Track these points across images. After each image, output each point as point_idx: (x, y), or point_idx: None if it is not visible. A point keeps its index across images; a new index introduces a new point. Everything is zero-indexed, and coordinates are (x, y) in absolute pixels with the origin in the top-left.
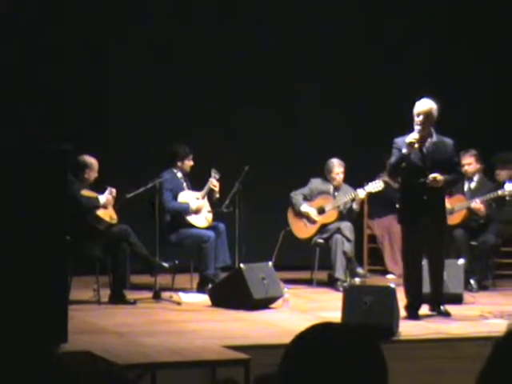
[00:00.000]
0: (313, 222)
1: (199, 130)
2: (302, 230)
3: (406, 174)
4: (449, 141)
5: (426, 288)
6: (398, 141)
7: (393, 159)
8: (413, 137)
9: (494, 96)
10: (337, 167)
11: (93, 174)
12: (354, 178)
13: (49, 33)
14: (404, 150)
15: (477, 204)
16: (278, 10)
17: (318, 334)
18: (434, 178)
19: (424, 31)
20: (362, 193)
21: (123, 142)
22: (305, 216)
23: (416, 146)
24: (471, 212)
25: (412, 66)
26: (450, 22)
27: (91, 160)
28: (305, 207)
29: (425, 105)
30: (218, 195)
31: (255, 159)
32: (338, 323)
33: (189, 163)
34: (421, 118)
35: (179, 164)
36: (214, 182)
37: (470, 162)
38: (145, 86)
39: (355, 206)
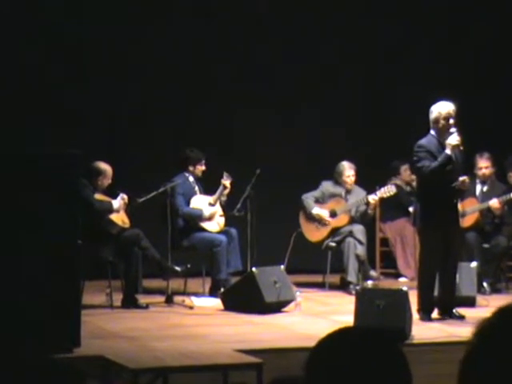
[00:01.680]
0: (324, 224)
1: (211, 134)
2: (313, 234)
3: (439, 178)
4: None
5: (435, 291)
6: (425, 144)
7: (427, 162)
8: (456, 138)
9: (506, 98)
10: (347, 170)
11: (106, 181)
12: (366, 181)
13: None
14: (448, 152)
15: (495, 203)
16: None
17: (343, 337)
18: (464, 181)
19: (430, 31)
20: (373, 199)
21: (135, 147)
22: (316, 219)
23: (461, 148)
24: (484, 214)
25: (423, 69)
26: (455, 21)
27: (105, 167)
28: (316, 210)
29: (452, 107)
30: (225, 198)
31: (267, 163)
32: (363, 327)
33: (201, 168)
34: (452, 119)
35: (191, 169)
36: (226, 185)
37: (487, 166)
38: (156, 90)
39: (370, 210)
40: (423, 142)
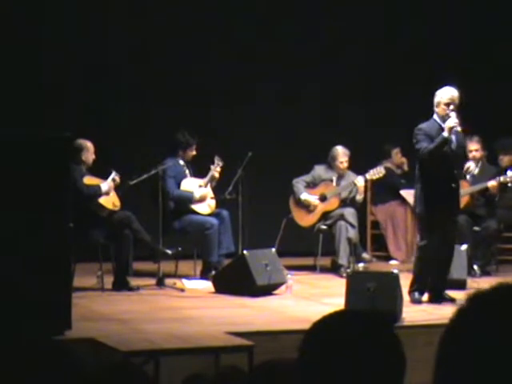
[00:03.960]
0: (314, 210)
1: (202, 116)
2: (303, 218)
3: (439, 162)
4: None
5: None
6: (424, 127)
7: (424, 144)
8: (454, 121)
9: (496, 82)
10: (341, 155)
11: (90, 156)
12: (358, 165)
13: (49, 19)
14: (446, 134)
15: (494, 183)
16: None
17: (337, 319)
18: (469, 167)
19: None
20: (361, 180)
21: (126, 128)
22: (305, 204)
23: (459, 129)
24: (475, 197)
25: (415, 54)
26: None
27: (86, 143)
28: (305, 195)
29: (453, 92)
30: (214, 183)
31: (258, 145)
32: (356, 310)
33: (191, 153)
34: (452, 105)
35: (181, 153)
36: (217, 169)
37: (477, 148)
38: (148, 72)
39: (358, 196)
40: (423, 125)
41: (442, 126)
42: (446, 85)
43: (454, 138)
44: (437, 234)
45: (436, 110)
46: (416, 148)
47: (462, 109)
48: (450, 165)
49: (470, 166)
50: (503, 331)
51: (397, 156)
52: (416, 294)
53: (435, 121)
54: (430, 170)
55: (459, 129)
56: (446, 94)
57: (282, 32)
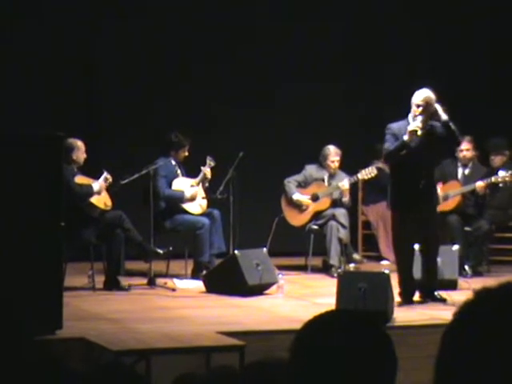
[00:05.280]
0: (305, 209)
1: (195, 116)
2: (295, 218)
3: (402, 161)
4: (437, 123)
5: (417, 274)
6: (393, 127)
7: (388, 145)
8: (416, 125)
9: (488, 82)
10: (333, 155)
11: (81, 155)
12: (350, 165)
13: (44, 14)
14: (405, 137)
15: (481, 184)
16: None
17: (328, 319)
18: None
19: (420, 17)
20: (346, 183)
21: (118, 128)
22: (297, 204)
23: (419, 133)
24: (466, 197)
25: (410, 51)
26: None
27: (77, 142)
28: (297, 195)
29: (424, 95)
30: (207, 184)
31: (250, 146)
32: (348, 310)
33: (183, 154)
34: (421, 108)
35: (173, 153)
36: (208, 170)
37: (468, 148)
38: (140, 70)
39: (344, 198)
40: (393, 124)
41: (407, 127)
42: (425, 86)
43: (414, 140)
44: (407, 233)
45: (410, 110)
46: (383, 147)
47: (454, 109)
48: (415, 166)
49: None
50: (508, 328)
51: None
52: (404, 296)
53: (407, 120)
54: (397, 169)
55: (420, 133)
56: (417, 97)
57: (275, 33)
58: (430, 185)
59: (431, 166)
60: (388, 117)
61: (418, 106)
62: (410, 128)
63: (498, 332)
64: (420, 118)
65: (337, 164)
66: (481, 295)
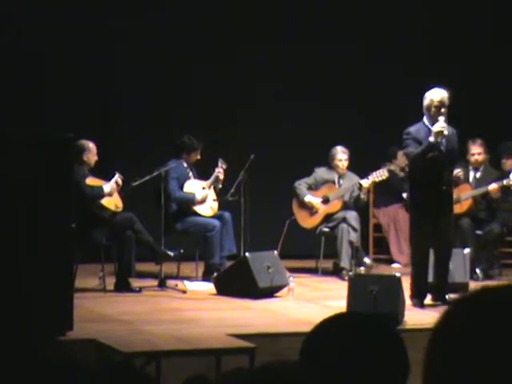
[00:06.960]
0: (317, 212)
1: (206, 119)
2: (306, 220)
3: (426, 165)
4: (454, 130)
5: (429, 278)
6: (412, 131)
7: (412, 149)
8: (440, 125)
9: (499, 86)
10: (340, 154)
11: (92, 157)
12: (360, 167)
13: (55, 19)
14: (431, 139)
15: (494, 187)
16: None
17: (340, 322)
18: (457, 174)
19: (431, 21)
20: (366, 183)
21: (130, 130)
22: (309, 206)
23: (445, 133)
24: (477, 200)
25: (418, 55)
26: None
27: (89, 143)
28: (308, 197)
29: (443, 94)
30: (220, 185)
31: (261, 148)
32: (359, 312)
33: (195, 157)
34: (443, 108)
35: (185, 156)
36: (220, 172)
37: (479, 152)
38: (153, 74)
39: (363, 195)
40: (411, 129)
41: (431, 129)
42: (433, 86)
43: (444, 141)
44: (426, 237)
45: (426, 112)
46: (404, 153)
47: (465, 112)
48: (440, 168)
49: (459, 172)
50: (487, 335)
51: (402, 158)
52: (415, 299)
53: (424, 124)
54: (418, 174)
55: (446, 133)
56: (437, 96)
57: (282, 34)
58: (451, 189)
59: (451, 170)
60: (402, 119)
61: (439, 105)
62: (435, 129)
63: (478, 339)
64: (443, 118)
65: (345, 163)
66: (459, 303)
